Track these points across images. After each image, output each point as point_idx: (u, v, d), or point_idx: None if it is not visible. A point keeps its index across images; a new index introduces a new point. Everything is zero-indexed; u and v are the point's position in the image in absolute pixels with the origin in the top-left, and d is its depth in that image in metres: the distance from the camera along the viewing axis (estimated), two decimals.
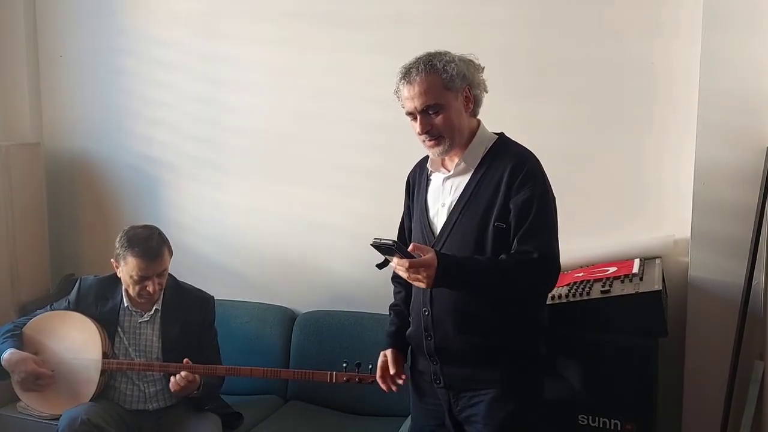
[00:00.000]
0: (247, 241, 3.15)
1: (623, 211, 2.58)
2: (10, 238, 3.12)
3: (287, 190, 3.05)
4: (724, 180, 2.29)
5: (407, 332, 2.04)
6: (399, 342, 2.05)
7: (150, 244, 2.43)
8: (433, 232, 1.92)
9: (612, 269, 2.37)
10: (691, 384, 2.37)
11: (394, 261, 1.72)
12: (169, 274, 2.54)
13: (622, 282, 2.21)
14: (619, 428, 2.13)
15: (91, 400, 2.42)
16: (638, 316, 2.08)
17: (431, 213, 1.95)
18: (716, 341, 2.31)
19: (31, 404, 2.52)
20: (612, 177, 2.58)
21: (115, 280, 2.54)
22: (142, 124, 3.27)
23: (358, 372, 2.22)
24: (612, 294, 2.12)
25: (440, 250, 1.83)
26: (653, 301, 2.08)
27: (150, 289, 2.43)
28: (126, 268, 2.43)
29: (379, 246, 1.70)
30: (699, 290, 2.35)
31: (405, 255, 1.69)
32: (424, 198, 1.98)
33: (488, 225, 1.82)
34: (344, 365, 2.23)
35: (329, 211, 2.99)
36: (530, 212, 1.79)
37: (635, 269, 2.31)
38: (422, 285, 1.72)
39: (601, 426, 2.15)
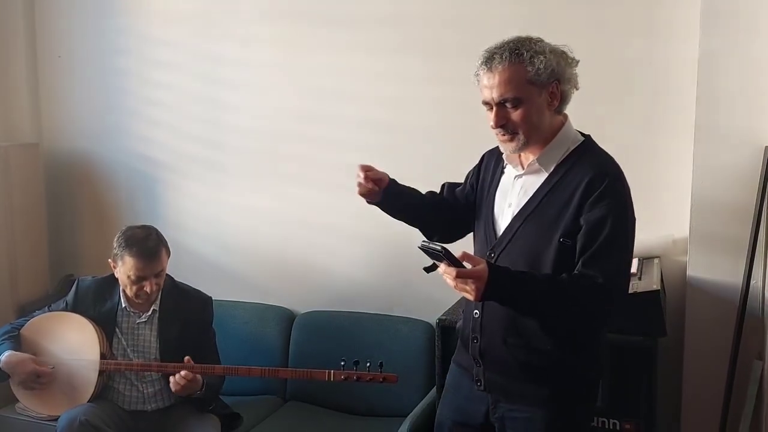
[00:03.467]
0: (246, 242, 3.15)
1: None
2: (9, 239, 3.12)
3: (286, 190, 3.05)
4: (722, 180, 2.29)
5: (457, 325, 1.96)
6: (396, 185, 1.91)
7: (147, 244, 2.43)
8: (495, 233, 1.79)
9: None
10: (690, 383, 2.37)
11: (442, 267, 1.59)
12: (167, 275, 2.54)
13: None
14: (618, 428, 2.14)
15: (89, 401, 2.42)
16: (637, 315, 2.08)
17: (497, 211, 1.82)
18: (715, 341, 2.31)
19: (30, 405, 2.51)
20: None
21: (113, 281, 2.53)
22: (141, 125, 3.27)
23: (356, 370, 2.22)
24: None
25: (500, 254, 1.73)
26: (652, 300, 2.08)
27: (147, 289, 2.43)
28: (123, 268, 2.43)
29: (427, 249, 1.59)
30: (697, 290, 2.35)
31: (453, 262, 1.57)
32: (494, 192, 1.85)
33: (552, 240, 1.67)
34: (342, 363, 2.23)
35: (328, 211, 2.99)
36: (601, 232, 1.61)
37: (634, 269, 2.31)
38: (470, 297, 1.59)
39: (600, 425, 2.15)
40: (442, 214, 1.98)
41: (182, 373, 2.32)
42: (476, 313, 1.80)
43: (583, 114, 2.56)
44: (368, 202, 1.91)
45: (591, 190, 1.64)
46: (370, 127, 2.87)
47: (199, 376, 2.36)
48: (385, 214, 1.96)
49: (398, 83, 2.79)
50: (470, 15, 2.67)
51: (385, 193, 1.88)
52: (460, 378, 1.91)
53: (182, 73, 3.16)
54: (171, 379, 2.34)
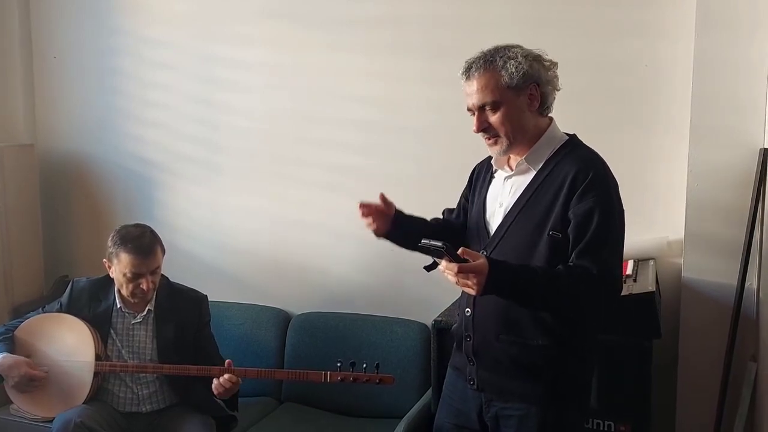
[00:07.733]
0: (242, 243, 3.14)
1: None
2: (4, 240, 3.11)
3: (282, 192, 3.05)
4: (717, 181, 2.30)
5: (452, 328, 1.99)
6: (403, 215, 1.98)
7: (143, 241, 2.42)
8: (488, 232, 1.84)
9: None
10: (684, 385, 2.38)
11: (443, 264, 1.62)
12: (162, 275, 2.53)
13: None
14: (613, 429, 2.14)
15: (84, 403, 2.41)
16: (632, 317, 2.09)
17: (488, 212, 1.87)
18: (709, 342, 2.32)
19: (24, 407, 2.50)
20: None
21: (107, 282, 2.53)
22: (136, 126, 3.27)
23: (352, 371, 2.22)
24: None
25: (492, 251, 1.77)
26: (647, 302, 2.09)
27: (144, 286, 2.42)
28: (119, 266, 2.43)
29: (428, 248, 1.61)
30: (692, 291, 2.35)
31: (455, 258, 1.59)
32: (485, 196, 1.91)
33: (543, 233, 1.72)
34: (338, 365, 2.23)
35: (324, 212, 2.99)
36: (590, 225, 1.67)
37: (629, 271, 2.31)
38: (471, 291, 1.61)
39: (595, 427, 2.15)
40: (450, 235, 2.01)
41: (226, 376, 2.30)
42: (468, 311, 1.83)
43: (578, 114, 2.57)
44: (378, 236, 1.98)
45: (577, 183, 1.71)
46: (367, 128, 2.87)
47: (239, 379, 2.34)
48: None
49: (395, 84, 2.80)
50: (466, 16, 2.68)
51: (395, 224, 1.96)
52: (455, 380, 1.93)
53: (178, 73, 3.15)
54: (215, 381, 2.31)
